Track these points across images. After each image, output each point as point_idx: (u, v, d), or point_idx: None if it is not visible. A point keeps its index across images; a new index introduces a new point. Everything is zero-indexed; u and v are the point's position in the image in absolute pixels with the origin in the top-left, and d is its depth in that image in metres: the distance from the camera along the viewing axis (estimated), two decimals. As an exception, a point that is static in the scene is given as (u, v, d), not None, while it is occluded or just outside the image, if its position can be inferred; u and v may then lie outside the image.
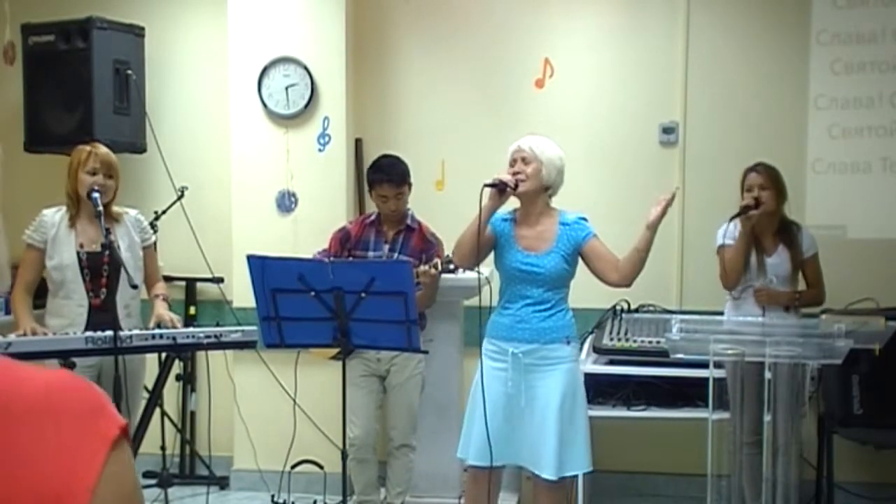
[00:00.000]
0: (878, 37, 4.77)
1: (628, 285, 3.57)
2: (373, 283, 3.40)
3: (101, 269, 3.75)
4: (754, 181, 4.13)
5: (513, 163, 3.58)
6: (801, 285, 4.24)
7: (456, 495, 4.56)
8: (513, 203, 3.69)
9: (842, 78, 4.82)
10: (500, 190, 3.50)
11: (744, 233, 4.08)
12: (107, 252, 3.67)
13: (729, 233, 4.17)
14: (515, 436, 3.54)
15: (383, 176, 4.26)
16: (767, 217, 4.13)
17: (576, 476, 3.63)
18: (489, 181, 3.51)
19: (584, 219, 3.63)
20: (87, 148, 3.82)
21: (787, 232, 4.20)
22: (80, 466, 0.83)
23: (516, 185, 3.52)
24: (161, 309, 3.84)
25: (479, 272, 3.60)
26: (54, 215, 3.81)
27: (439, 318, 4.43)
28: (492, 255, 3.72)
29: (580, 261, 3.61)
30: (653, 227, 3.44)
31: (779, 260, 4.15)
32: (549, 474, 3.48)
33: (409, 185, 4.32)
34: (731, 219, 4.10)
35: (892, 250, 4.79)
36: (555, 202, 3.71)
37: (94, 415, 0.86)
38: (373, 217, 4.38)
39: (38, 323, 3.74)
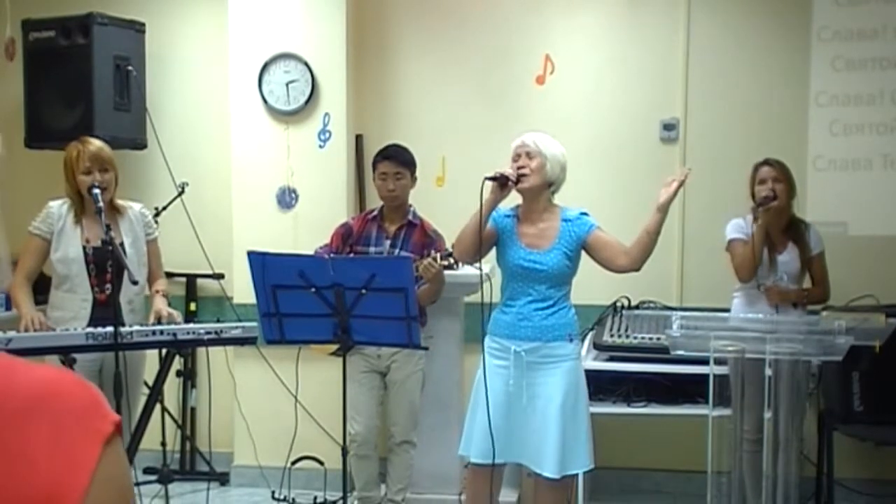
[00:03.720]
0: (879, 33, 4.77)
1: (638, 269, 3.57)
2: (373, 280, 3.41)
3: (106, 264, 3.74)
4: (767, 174, 4.12)
5: (516, 157, 3.57)
6: (807, 283, 4.24)
7: (456, 492, 4.56)
8: (515, 199, 3.69)
9: (843, 74, 4.81)
10: (502, 184, 3.49)
11: (761, 225, 4.07)
12: (110, 248, 3.65)
13: (738, 227, 4.16)
14: (517, 434, 3.54)
15: (384, 155, 4.31)
16: (778, 213, 4.12)
17: (576, 474, 3.62)
18: (490, 174, 3.51)
19: (586, 213, 3.64)
20: (78, 146, 3.76)
21: (796, 229, 4.19)
22: (75, 463, 0.83)
23: (518, 180, 3.51)
24: (160, 304, 3.83)
25: (479, 268, 3.60)
26: (60, 207, 3.79)
27: (440, 314, 4.43)
28: (493, 252, 3.72)
29: (584, 256, 3.62)
30: (663, 209, 3.45)
31: (789, 258, 4.15)
32: (550, 472, 3.48)
33: (413, 175, 4.32)
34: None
35: (893, 247, 4.79)
36: (555, 197, 3.71)
37: (90, 412, 0.86)
38: (375, 212, 4.38)
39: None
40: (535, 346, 3.52)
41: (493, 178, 3.49)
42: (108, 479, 0.84)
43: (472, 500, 3.74)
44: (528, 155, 3.54)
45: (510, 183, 3.50)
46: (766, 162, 4.16)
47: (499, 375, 3.54)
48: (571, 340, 3.56)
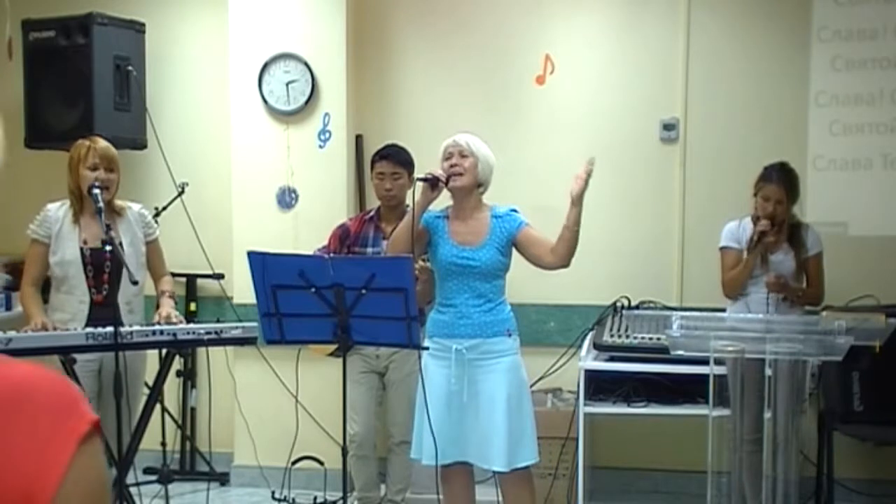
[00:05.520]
0: (879, 33, 4.77)
1: (566, 265, 3.56)
2: (373, 280, 3.40)
3: (103, 265, 3.75)
4: (772, 194, 4.04)
5: (448, 156, 3.61)
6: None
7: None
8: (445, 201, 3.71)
9: (843, 74, 4.81)
10: (433, 184, 3.53)
11: (755, 254, 4.05)
12: (109, 248, 3.66)
13: (732, 233, 4.15)
14: (462, 432, 3.56)
15: (382, 154, 4.34)
16: (779, 224, 4.10)
17: (528, 468, 3.62)
18: (421, 175, 3.56)
19: (515, 210, 3.67)
20: (86, 143, 3.79)
21: (794, 232, 4.17)
22: (49, 461, 0.83)
23: (447, 180, 3.55)
24: (167, 309, 3.81)
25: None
26: (58, 210, 3.80)
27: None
28: None
29: (515, 253, 3.64)
30: (577, 202, 3.46)
31: (783, 258, 4.14)
32: (499, 466, 3.51)
33: (411, 175, 4.33)
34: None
35: (893, 247, 4.78)
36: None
37: (67, 410, 0.87)
38: (372, 213, 4.39)
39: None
40: (475, 342, 3.54)
41: (424, 179, 3.54)
42: (81, 477, 0.85)
43: (448, 500, 3.76)
44: (461, 154, 3.59)
45: (440, 183, 3.54)
46: (776, 179, 4.05)
47: (440, 376, 3.57)
48: (510, 335, 3.59)
